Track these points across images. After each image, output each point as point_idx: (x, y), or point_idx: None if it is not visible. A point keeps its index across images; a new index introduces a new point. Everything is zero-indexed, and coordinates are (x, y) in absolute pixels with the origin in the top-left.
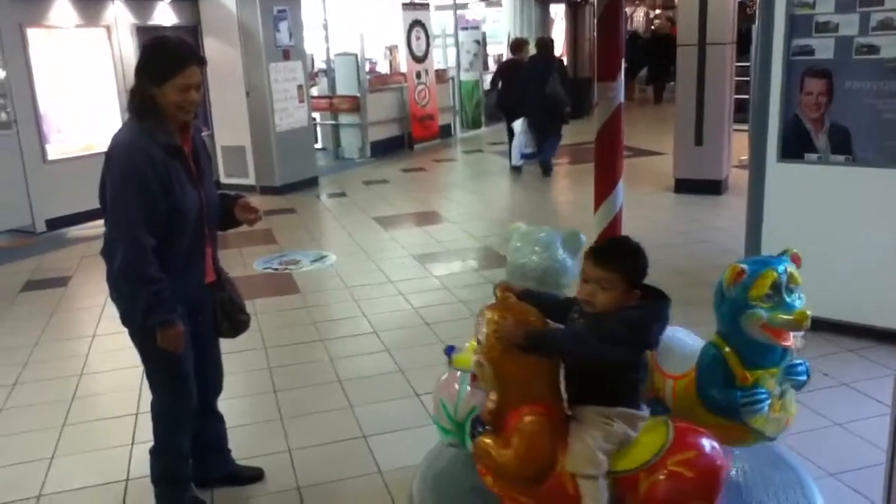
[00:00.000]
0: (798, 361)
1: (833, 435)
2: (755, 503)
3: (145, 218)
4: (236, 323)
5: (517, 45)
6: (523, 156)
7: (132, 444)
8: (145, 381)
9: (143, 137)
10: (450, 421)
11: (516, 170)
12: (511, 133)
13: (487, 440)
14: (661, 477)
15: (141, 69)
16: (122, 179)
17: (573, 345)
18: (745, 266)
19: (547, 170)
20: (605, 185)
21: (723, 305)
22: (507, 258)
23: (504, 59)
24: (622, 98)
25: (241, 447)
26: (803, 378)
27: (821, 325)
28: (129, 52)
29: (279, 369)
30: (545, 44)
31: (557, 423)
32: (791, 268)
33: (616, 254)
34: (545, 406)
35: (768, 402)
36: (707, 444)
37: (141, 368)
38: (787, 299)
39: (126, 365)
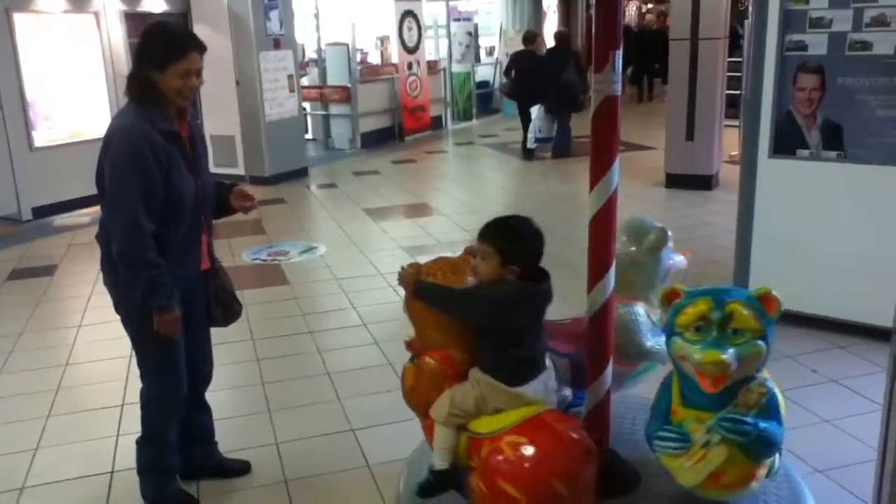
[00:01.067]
0: (745, 419)
1: (822, 432)
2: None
3: (144, 202)
4: (229, 311)
5: (530, 38)
6: (537, 139)
7: (118, 435)
8: (132, 372)
9: (142, 122)
10: None
11: (530, 152)
12: (524, 119)
13: (406, 366)
14: (492, 449)
15: (141, 54)
16: (122, 163)
17: (442, 302)
18: (683, 289)
19: (562, 152)
20: (600, 165)
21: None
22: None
23: (515, 50)
24: (619, 82)
25: (228, 439)
26: (741, 439)
27: (810, 322)
28: (118, 38)
29: (267, 361)
30: (564, 36)
31: (448, 372)
32: (744, 307)
33: (497, 231)
34: (441, 355)
35: (683, 446)
36: (550, 442)
37: (127, 359)
38: (719, 337)
39: (113, 355)
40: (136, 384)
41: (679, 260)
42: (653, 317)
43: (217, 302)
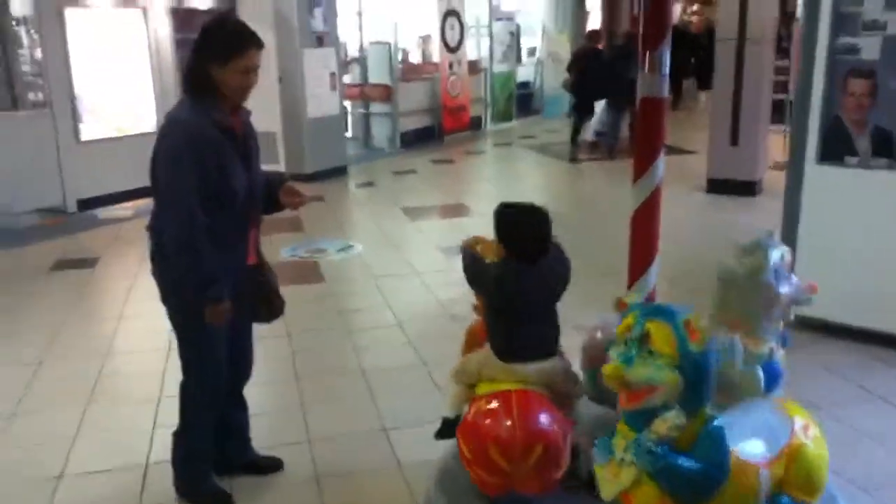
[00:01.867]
0: (653, 447)
1: (869, 450)
2: None
3: (199, 193)
4: (273, 308)
5: (593, 35)
6: (597, 133)
7: (154, 427)
8: (170, 365)
9: (199, 116)
10: None
11: (593, 144)
12: (580, 115)
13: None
14: (471, 408)
15: (201, 49)
16: (179, 154)
17: (465, 267)
18: (629, 301)
19: (612, 145)
20: (644, 156)
21: None
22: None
23: (578, 48)
24: (666, 83)
25: (261, 435)
26: (646, 466)
27: (856, 335)
28: (165, 34)
29: (301, 358)
30: (631, 35)
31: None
32: (662, 330)
33: (496, 216)
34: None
35: (606, 458)
36: (501, 413)
37: (166, 351)
38: (635, 355)
39: (151, 347)
40: (174, 377)
41: (796, 289)
42: (754, 350)
43: (262, 298)
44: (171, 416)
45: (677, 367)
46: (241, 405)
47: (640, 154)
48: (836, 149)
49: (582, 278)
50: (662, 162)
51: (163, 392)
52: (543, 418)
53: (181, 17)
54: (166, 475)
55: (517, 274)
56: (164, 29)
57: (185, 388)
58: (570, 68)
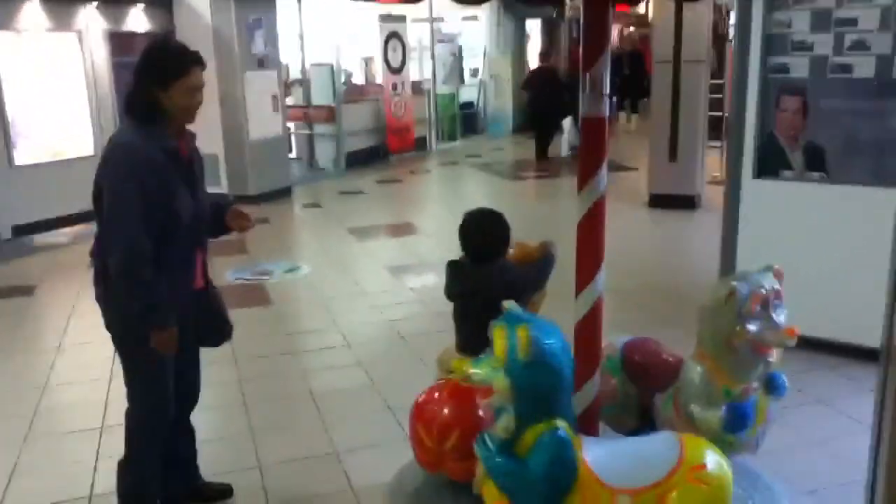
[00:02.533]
0: (486, 442)
1: (809, 453)
2: None
3: (144, 220)
4: (222, 331)
5: (548, 53)
6: (572, 148)
7: (97, 459)
8: (111, 394)
9: (143, 139)
10: None
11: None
12: (542, 129)
13: None
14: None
15: (144, 72)
16: (123, 180)
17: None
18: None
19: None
20: (587, 170)
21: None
22: None
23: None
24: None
25: (210, 462)
26: (482, 464)
27: (798, 342)
28: (101, 57)
29: (249, 382)
30: None
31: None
32: (500, 336)
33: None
34: None
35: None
36: (429, 399)
37: (108, 381)
38: (486, 357)
39: (92, 377)
40: (116, 406)
41: (763, 329)
42: (721, 387)
43: (210, 322)
44: (114, 447)
45: (508, 373)
46: (188, 431)
47: (583, 167)
48: (771, 164)
49: None
50: (605, 173)
51: (105, 422)
52: (465, 409)
53: (118, 40)
54: None
55: (461, 271)
56: (100, 52)
57: (131, 417)
58: (524, 87)
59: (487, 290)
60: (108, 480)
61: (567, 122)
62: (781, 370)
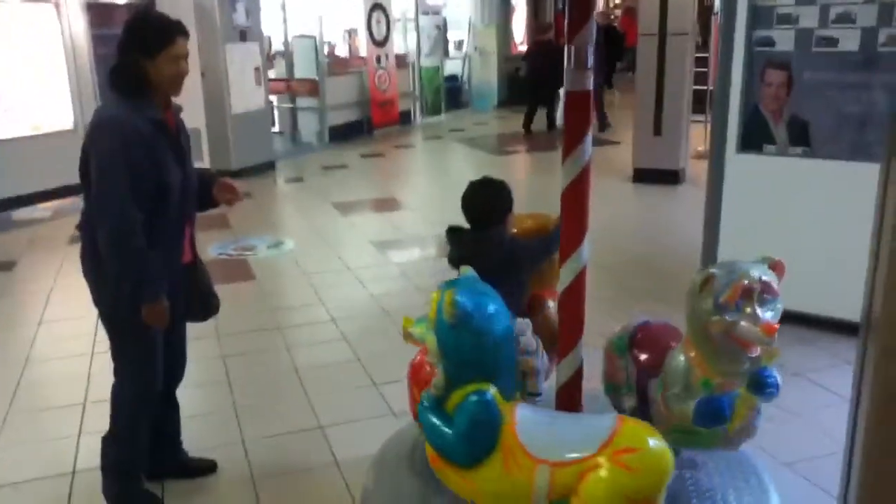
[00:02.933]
0: (424, 399)
1: (788, 425)
2: (708, 493)
3: (133, 192)
4: (208, 306)
5: (546, 27)
6: (550, 123)
7: (79, 434)
8: (93, 369)
9: (131, 112)
10: None
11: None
12: (534, 100)
13: None
14: None
15: (128, 44)
16: (111, 153)
17: None
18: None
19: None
20: (572, 140)
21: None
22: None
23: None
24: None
25: (194, 438)
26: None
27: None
28: (80, 30)
29: (233, 358)
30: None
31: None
32: (434, 301)
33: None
34: None
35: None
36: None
37: (89, 356)
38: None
39: (74, 353)
40: (98, 381)
41: (738, 323)
42: (697, 373)
43: (197, 296)
44: (97, 422)
45: (435, 332)
46: (173, 406)
47: (568, 137)
48: (755, 138)
49: None
50: (590, 143)
51: (88, 397)
52: None
53: (98, 12)
54: (94, 482)
55: (460, 237)
56: (79, 25)
57: (117, 392)
58: (525, 58)
59: (486, 257)
60: (91, 456)
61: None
62: (775, 367)
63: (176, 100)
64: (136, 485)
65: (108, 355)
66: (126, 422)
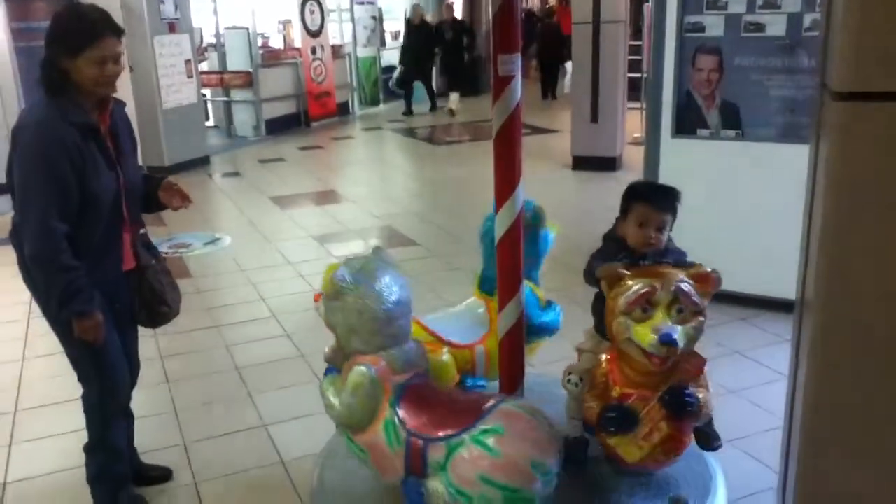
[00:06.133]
0: None
1: (727, 403)
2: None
3: (56, 203)
4: (154, 315)
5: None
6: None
7: (10, 444)
8: (25, 376)
9: (54, 116)
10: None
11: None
12: (408, 86)
13: None
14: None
15: (52, 40)
16: (32, 162)
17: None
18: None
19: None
20: (499, 84)
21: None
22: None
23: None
24: (519, 71)
25: (135, 442)
26: None
27: (714, 296)
28: None
29: (171, 359)
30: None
31: None
32: None
33: (669, 196)
34: None
35: None
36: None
37: (19, 362)
38: None
39: (4, 359)
40: (31, 389)
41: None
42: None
43: (142, 303)
44: (29, 430)
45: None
46: (128, 414)
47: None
48: (689, 122)
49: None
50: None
51: (19, 405)
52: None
53: (16, 4)
54: (28, 494)
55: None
56: None
57: (87, 400)
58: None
59: None
60: (24, 466)
61: (568, 66)
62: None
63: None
64: (126, 491)
65: (41, 361)
66: (98, 426)
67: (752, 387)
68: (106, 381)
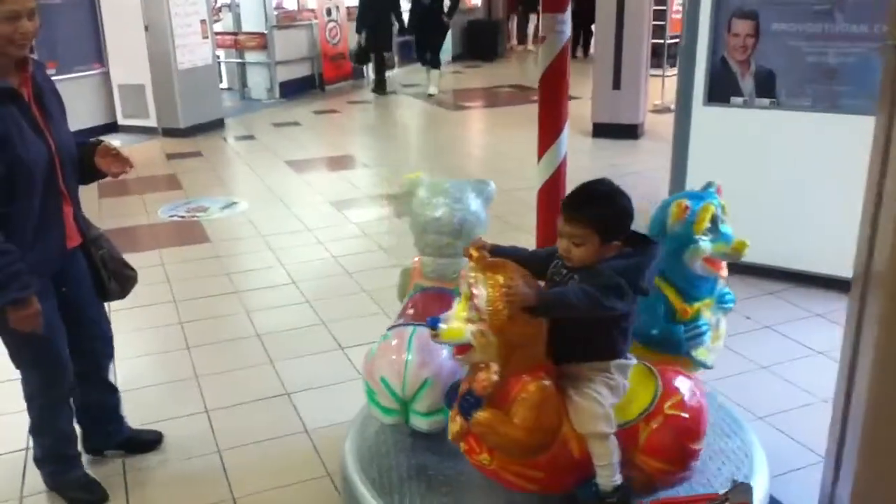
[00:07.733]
0: (725, 290)
1: (760, 378)
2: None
3: None
4: (123, 280)
5: None
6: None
7: None
8: None
9: None
10: (395, 399)
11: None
12: (368, 59)
13: (487, 415)
14: (659, 422)
15: None
16: None
17: (587, 303)
18: (689, 202)
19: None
20: (549, 130)
21: (664, 243)
22: (410, 210)
23: None
24: (569, 32)
25: (153, 409)
26: (731, 305)
27: (743, 269)
28: None
29: (191, 324)
30: None
31: (556, 385)
32: (720, 200)
33: (585, 205)
34: (543, 369)
35: (709, 332)
36: (687, 382)
37: None
38: (723, 230)
39: None
40: None
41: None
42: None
43: (108, 273)
44: None
45: None
46: (108, 388)
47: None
48: (722, 90)
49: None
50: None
51: None
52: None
53: None
54: None
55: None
56: None
57: (26, 384)
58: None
59: None
60: None
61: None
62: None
63: (120, 55)
64: (74, 471)
65: None
66: (38, 412)
67: (782, 362)
68: (46, 373)
